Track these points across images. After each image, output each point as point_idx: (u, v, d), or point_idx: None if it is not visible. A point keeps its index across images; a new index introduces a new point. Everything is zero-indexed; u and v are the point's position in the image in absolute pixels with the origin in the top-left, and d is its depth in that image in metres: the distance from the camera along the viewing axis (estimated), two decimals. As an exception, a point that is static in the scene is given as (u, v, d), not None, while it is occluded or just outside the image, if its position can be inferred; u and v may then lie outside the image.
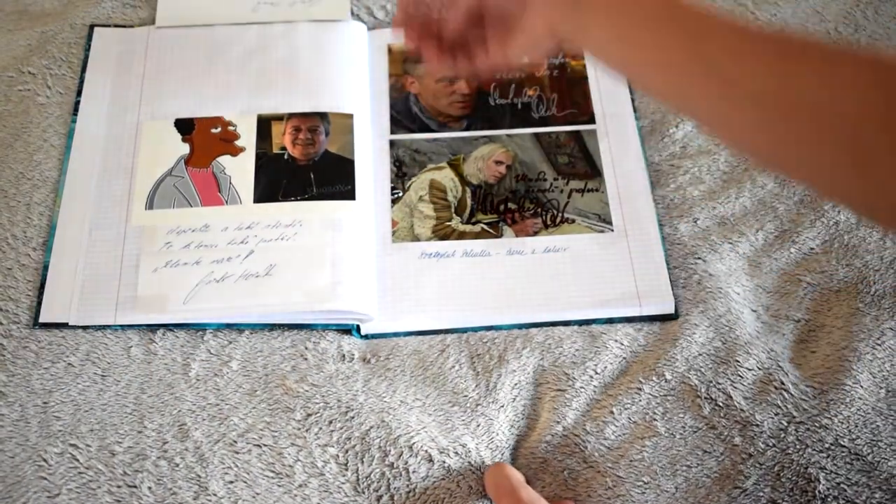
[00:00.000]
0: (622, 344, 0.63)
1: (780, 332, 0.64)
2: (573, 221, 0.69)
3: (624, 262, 0.66)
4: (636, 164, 0.72)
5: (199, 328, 0.63)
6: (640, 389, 0.61)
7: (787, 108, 0.41)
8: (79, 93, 0.73)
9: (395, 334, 0.64)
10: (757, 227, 0.68)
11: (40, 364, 0.61)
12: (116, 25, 0.76)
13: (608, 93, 0.76)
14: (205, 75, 0.73)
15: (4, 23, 0.78)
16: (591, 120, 0.74)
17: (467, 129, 0.73)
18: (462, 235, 0.68)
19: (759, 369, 0.61)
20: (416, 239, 0.68)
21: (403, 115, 0.74)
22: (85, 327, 0.63)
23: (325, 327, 0.64)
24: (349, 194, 0.67)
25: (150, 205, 0.67)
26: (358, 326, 0.64)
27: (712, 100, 0.45)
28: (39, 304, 0.63)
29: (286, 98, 0.72)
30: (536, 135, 0.73)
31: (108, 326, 0.63)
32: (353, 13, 0.79)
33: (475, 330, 0.64)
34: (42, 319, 0.63)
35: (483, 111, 0.74)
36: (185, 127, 0.70)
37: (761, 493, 0.57)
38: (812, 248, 0.67)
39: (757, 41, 0.44)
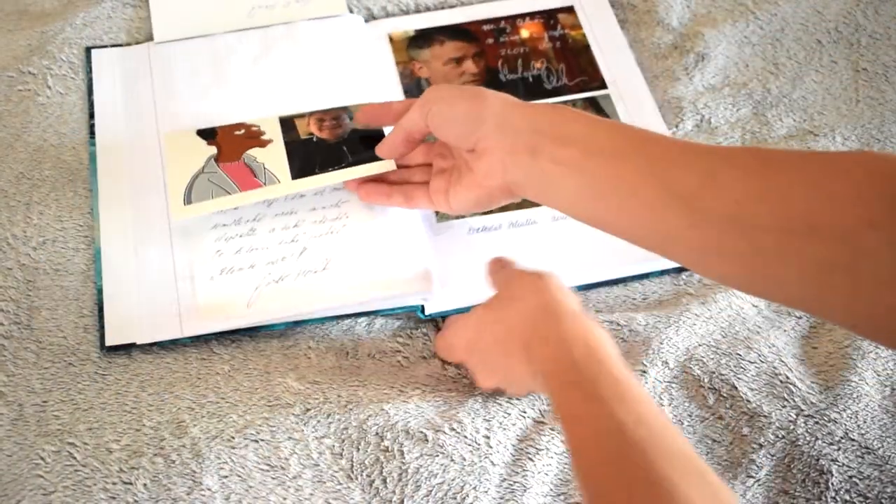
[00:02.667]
0: (618, 325, 0.63)
1: (782, 328, 0.63)
2: None
3: None
4: (655, 119, 0.73)
5: (266, 330, 0.63)
6: (644, 372, 0.60)
7: (772, 224, 0.40)
8: (91, 115, 0.72)
9: (458, 310, 0.63)
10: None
11: (40, 364, 0.61)
12: (113, 45, 0.76)
13: (613, 58, 0.77)
14: (215, 86, 0.73)
15: (4, 23, 0.78)
16: (603, 85, 0.75)
17: (484, 105, 0.74)
18: (505, 207, 0.67)
19: (762, 362, 0.60)
20: (461, 216, 0.68)
21: (418, 99, 0.74)
22: (153, 344, 0.61)
23: (392, 311, 0.64)
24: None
25: (188, 200, 0.65)
26: (422, 307, 0.64)
27: (686, 230, 0.43)
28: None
29: (303, 99, 0.71)
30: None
31: (177, 340, 0.61)
32: (351, 13, 0.79)
33: None
34: (108, 342, 0.61)
35: (496, 87, 0.73)
36: (207, 134, 0.68)
37: (773, 484, 0.57)
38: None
39: (726, 160, 0.43)
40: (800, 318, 0.64)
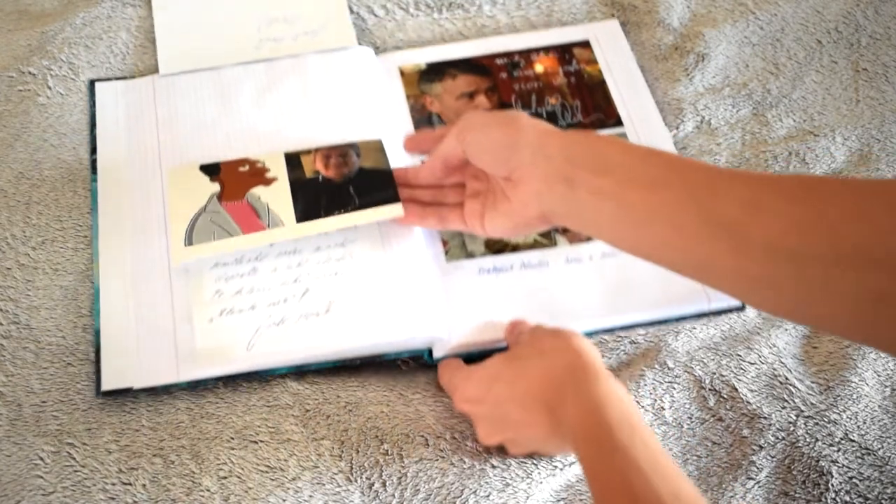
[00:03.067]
0: (619, 337, 0.63)
1: (782, 328, 0.63)
2: None
3: None
4: None
5: (267, 374, 0.61)
6: (643, 375, 0.60)
7: (819, 253, 0.39)
8: (93, 150, 0.70)
9: (469, 355, 0.62)
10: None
11: (39, 364, 0.60)
12: (118, 78, 0.74)
13: (629, 94, 0.75)
14: (221, 119, 0.71)
15: (4, 23, 0.78)
16: (619, 122, 0.73)
17: (498, 143, 0.72)
18: (516, 248, 0.66)
19: (762, 363, 0.60)
20: (471, 256, 0.66)
21: (430, 135, 0.72)
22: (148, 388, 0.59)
23: (398, 356, 0.62)
24: (393, 198, 0.63)
25: (188, 241, 0.63)
26: (430, 351, 0.62)
27: (728, 259, 0.43)
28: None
29: (310, 133, 0.69)
30: None
31: (175, 385, 0.59)
32: (352, 11, 0.79)
33: None
34: (105, 387, 0.59)
35: None
36: (211, 170, 0.67)
37: (773, 486, 0.57)
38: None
39: (771, 188, 0.42)
40: (800, 318, 0.64)
